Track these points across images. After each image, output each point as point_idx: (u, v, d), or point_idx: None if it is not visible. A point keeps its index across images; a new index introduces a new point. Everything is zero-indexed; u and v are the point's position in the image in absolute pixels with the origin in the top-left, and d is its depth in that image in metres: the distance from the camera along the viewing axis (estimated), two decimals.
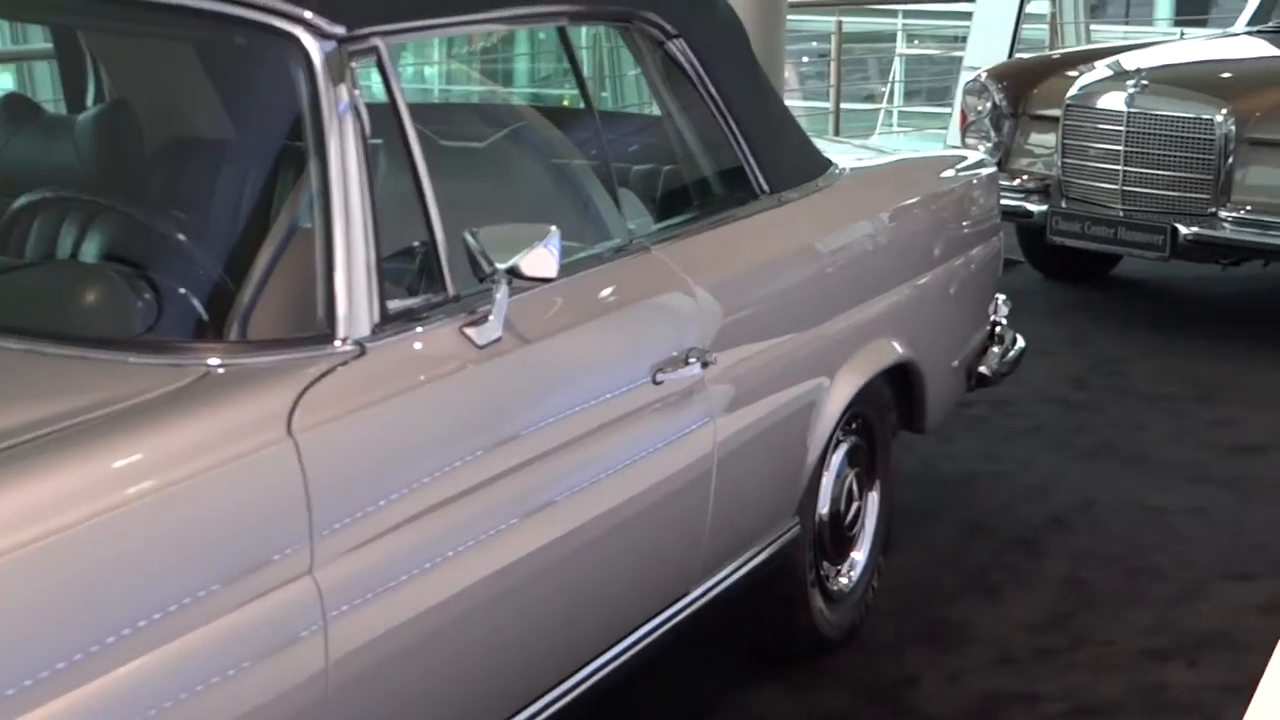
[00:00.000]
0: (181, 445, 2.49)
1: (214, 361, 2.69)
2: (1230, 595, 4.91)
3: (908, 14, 19.01)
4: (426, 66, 10.53)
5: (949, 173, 5.21)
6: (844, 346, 4.26)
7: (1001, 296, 5.28)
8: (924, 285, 4.71)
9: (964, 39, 15.03)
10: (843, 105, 12.21)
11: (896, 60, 18.07)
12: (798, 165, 4.35)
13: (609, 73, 10.59)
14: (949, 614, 4.76)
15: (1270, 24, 9.32)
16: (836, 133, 11.54)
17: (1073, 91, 7.98)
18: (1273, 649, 2.49)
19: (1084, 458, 6.12)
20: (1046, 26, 14.04)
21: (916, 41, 19.95)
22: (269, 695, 2.54)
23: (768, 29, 7.63)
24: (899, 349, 4.50)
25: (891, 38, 19.76)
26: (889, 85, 17.79)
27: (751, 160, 4.10)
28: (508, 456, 3.07)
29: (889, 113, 16.92)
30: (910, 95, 18.36)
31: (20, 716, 2.20)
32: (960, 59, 12.96)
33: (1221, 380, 7.12)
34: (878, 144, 9.43)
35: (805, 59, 19.28)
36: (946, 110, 13.44)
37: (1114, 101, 7.81)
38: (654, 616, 3.62)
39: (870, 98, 17.94)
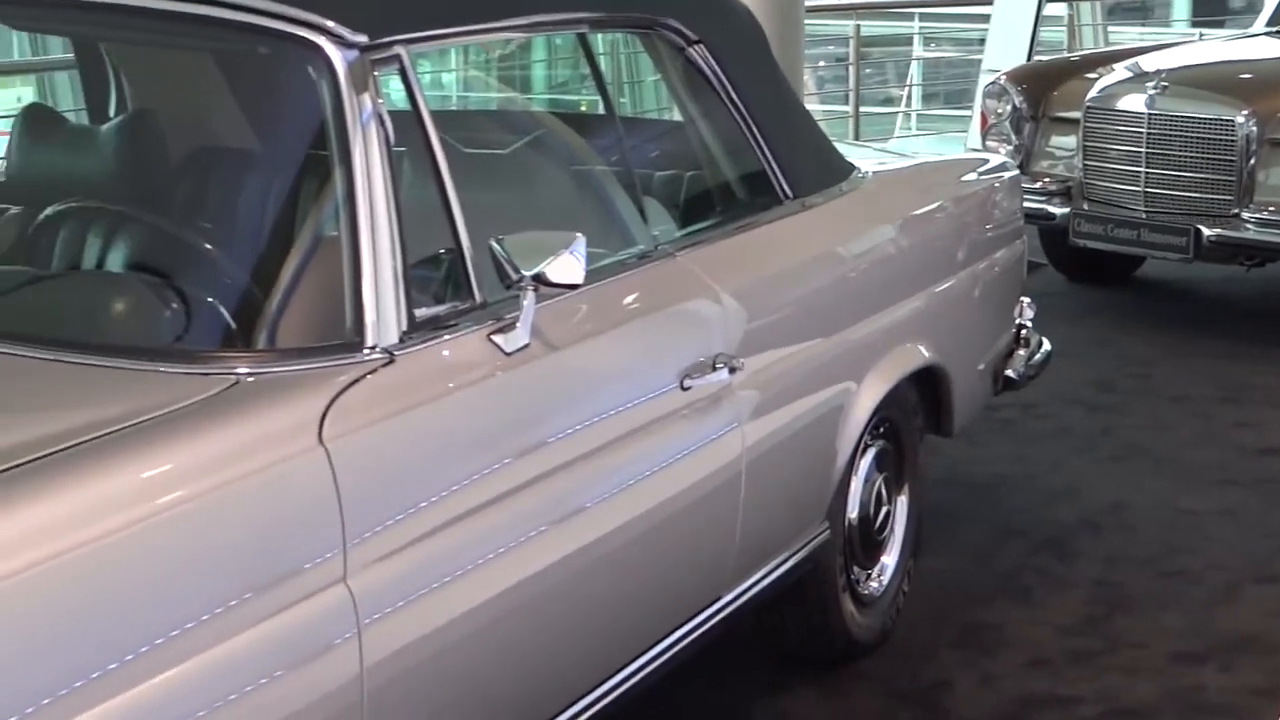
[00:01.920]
0: (212, 454, 2.50)
1: (243, 370, 2.70)
2: (1262, 598, 4.90)
3: (924, 17, 19.01)
4: (444, 74, 10.54)
5: (971, 176, 5.21)
6: (870, 351, 4.26)
7: (1026, 299, 5.27)
8: (949, 289, 4.71)
9: (982, 42, 15.01)
10: (861, 109, 12.21)
11: (914, 63, 18.08)
12: (821, 170, 4.35)
13: (627, 79, 10.59)
14: (981, 617, 4.75)
15: None
16: (856, 137, 11.54)
17: (1093, 94, 7.97)
18: None
19: (1112, 460, 6.11)
20: (1064, 29, 14.01)
21: (933, 45, 19.96)
22: (303, 703, 2.55)
23: (786, 33, 7.62)
24: (925, 353, 4.49)
25: (908, 41, 19.77)
26: (907, 89, 17.79)
27: (774, 165, 4.11)
28: (537, 463, 3.07)
29: (907, 116, 16.91)
30: (928, 98, 18.38)
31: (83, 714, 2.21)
32: (978, 62, 12.94)
33: (1247, 381, 7.09)
34: (898, 148, 9.41)
35: (822, 63, 19.26)
36: (965, 113, 13.42)
37: (1134, 103, 7.79)
38: (686, 622, 3.62)
39: (888, 101, 17.91)
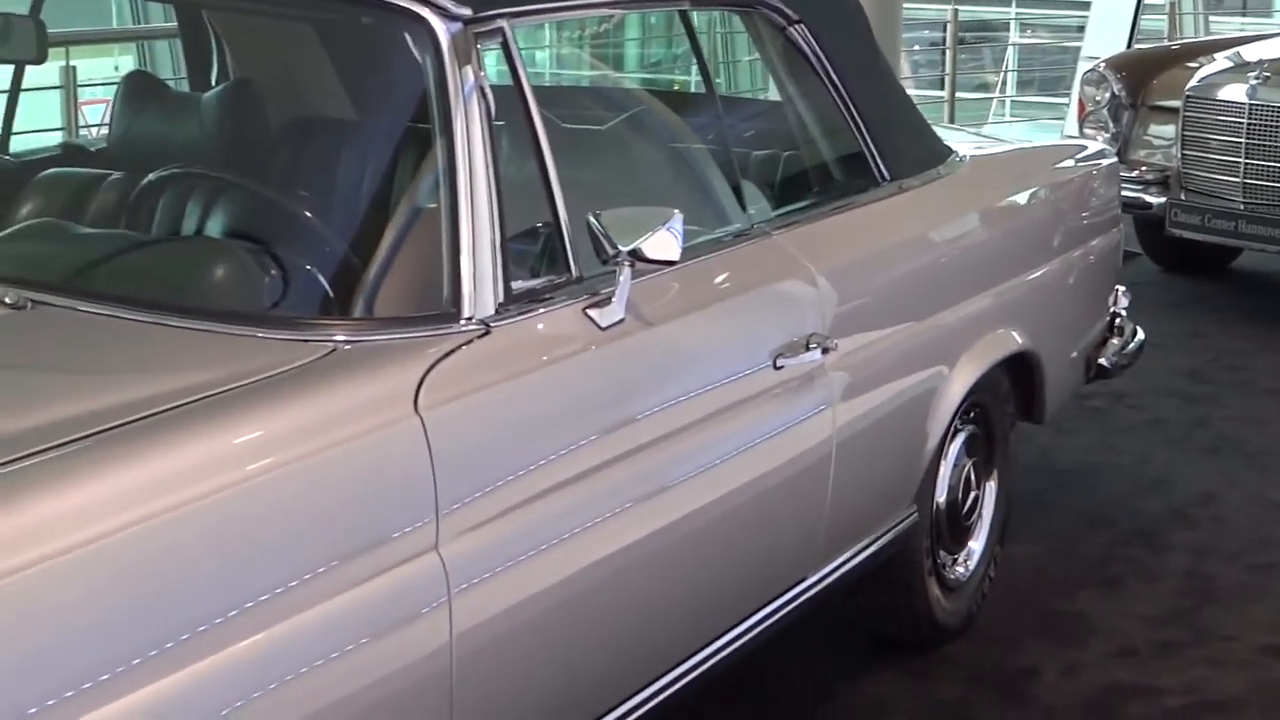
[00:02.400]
0: (308, 421, 2.52)
1: (340, 338, 2.72)
2: None
3: (1021, 2, 18.90)
4: (537, 51, 10.56)
5: (1069, 163, 5.17)
6: (963, 335, 4.24)
7: (1121, 288, 5.23)
8: (1044, 275, 4.68)
9: (1078, 29, 14.91)
10: (956, 95, 12.14)
11: (1010, 49, 17.96)
12: (918, 152, 4.32)
13: (722, 59, 10.58)
14: (1068, 605, 4.73)
15: None
16: (951, 121, 11.48)
17: (1193, 83, 7.89)
18: None
19: (1204, 452, 6.05)
20: (1165, 17, 13.89)
21: (1030, 31, 19.82)
22: (393, 667, 2.57)
23: (884, 16, 7.60)
24: (1018, 339, 4.47)
25: (1005, 27, 19.65)
26: (1002, 74, 17.66)
27: (872, 147, 4.09)
28: (628, 438, 3.08)
29: (1001, 102, 16.81)
30: (1023, 85, 18.21)
31: (146, 686, 2.23)
32: (1074, 49, 12.85)
33: None
34: (993, 134, 9.35)
35: (917, 47, 19.18)
36: (1059, 100, 13.35)
37: (1235, 93, 7.70)
38: (772, 600, 3.62)
39: (983, 87, 17.81)
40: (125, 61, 9.22)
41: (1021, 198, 4.73)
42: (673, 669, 3.30)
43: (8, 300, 2.73)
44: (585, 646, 3.02)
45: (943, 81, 12.76)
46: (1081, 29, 13.98)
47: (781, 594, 3.67)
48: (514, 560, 2.79)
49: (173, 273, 3.04)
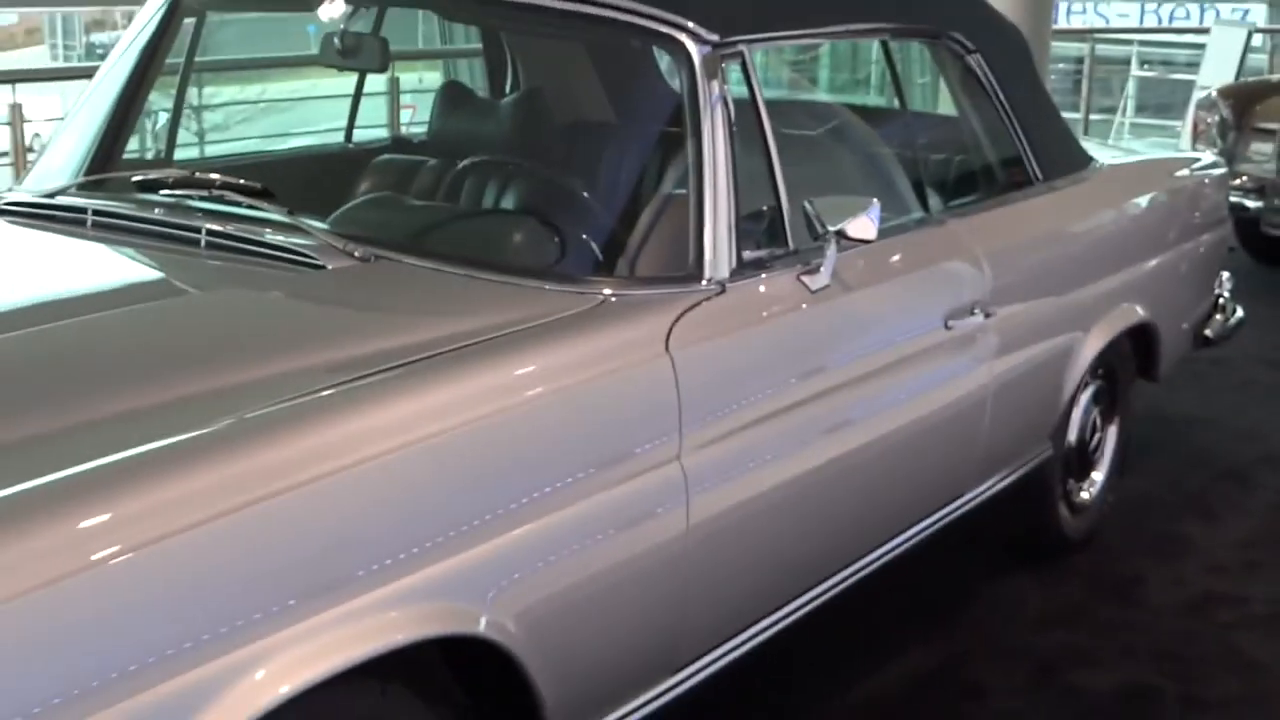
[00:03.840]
0: (583, 354, 2.55)
1: (608, 292, 2.73)
2: None
3: (1142, 42, 18.38)
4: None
5: (1185, 171, 5.02)
6: (1096, 308, 4.16)
7: (1226, 273, 5.09)
8: (1162, 261, 4.56)
9: (1185, 64, 14.47)
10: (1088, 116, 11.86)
11: (1130, 79, 17.48)
12: (1066, 159, 4.24)
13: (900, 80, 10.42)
14: (1171, 529, 4.63)
15: None
16: (1085, 133, 11.22)
17: None
18: None
19: None
20: (1267, 56, 13.46)
21: (1146, 65, 19.29)
22: (640, 549, 2.59)
23: (1037, 52, 7.42)
24: (1141, 312, 4.37)
25: (1127, 61, 19.11)
26: (1123, 100, 17.21)
27: (1029, 153, 4.02)
28: (829, 378, 3.08)
29: (1121, 124, 16.38)
30: (1139, 109, 17.71)
31: (451, 558, 2.25)
32: (1183, 81, 12.47)
33: None
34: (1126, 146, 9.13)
35: (1052, 76, 18.73)
36: (1170, 123, 12.99)
37: None
38: (933, 513, 3.60)
39: (1107, 110, 17.35)
40: (428, 76, 9.34)
41: (1147, 199, 4.61)
42: (854, 562, 3.30)
43: (357, 254, 2.79)
44: (786, 540, 3.03)
45: (1076, 104, 12.45)
46: (1189, 64, 13.59)
47: (941, 509, 3.64)
48: (736, 470, 2.80)
49: (481, 237, 3.09)
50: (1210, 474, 5.11)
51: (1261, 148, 7.86)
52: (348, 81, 4.11)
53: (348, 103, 4.13)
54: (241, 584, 1.99)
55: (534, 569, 2.39)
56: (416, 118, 7.73)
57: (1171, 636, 3.93)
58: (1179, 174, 4.97)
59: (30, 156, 5.98)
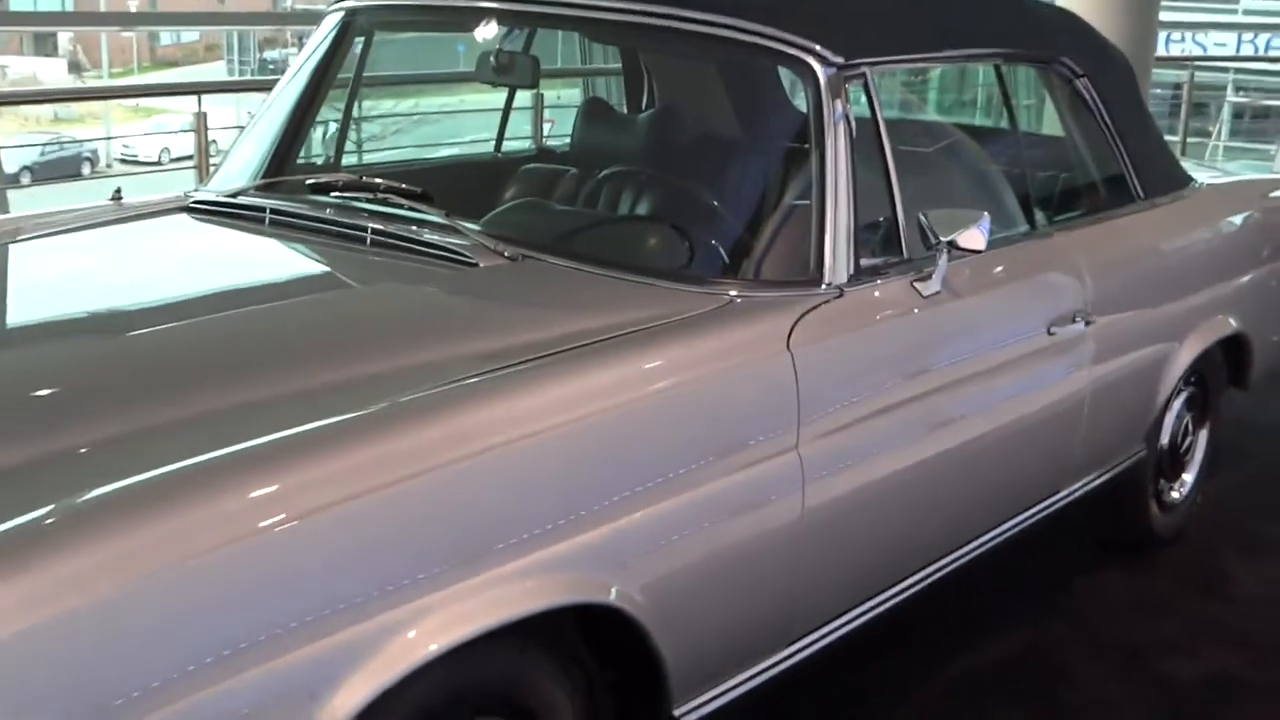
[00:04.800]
0: (712, 350, 2.55)
1: (735, 293, 2.73)
2: None
3: (1237, 69, 17.98)
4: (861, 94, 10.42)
5: (1278, 192, 4.89)
6: (1191, 319, 4.06)
7: None
8: (1255, 277, 4.44)
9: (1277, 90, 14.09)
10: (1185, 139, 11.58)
11: (1226, 105, 17.10)
12: (1166, 178, 4.14)
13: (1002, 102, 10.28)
14: (1258, 529, 4.51)
15: None
16: (1182, 155, 10.97)
17: None
18: None
19: None
20: None
21: (1242, 91, 18.87)
22: (758, 530, 2.59)
23: (1139, 77, 7.28)
24: (1233, 323, 4.26)
25: (1223, 87, 18.69)
26: (1218, 124, 16.83)
27: (1131, 172, 3.93)
28: (938, 378, 3.04)
29: (1215, 146, 16.01)
30: (1234, 133, 17.30)
31: (589, 532, 2.27)
32: (1276, 106, 12.15)
33: None
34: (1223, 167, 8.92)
35: (1153, 101, 18.37)
36: (1263, 146, 12.67)
37: None
38: (1032, 507, 3.54)
39: (1202, 133, 16.97)
40: (567, 93, 9.37)
41: (1241, 217, 4.49)
42: (955, 550, 3.26)
43: (506, 254, 2.81)
44: (893, 527, 3.00)
45: (1174, 128, 12.18)
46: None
47: (1038, 503, 3.58)
48: (849, 461, 2.78)
49: (619, 240, 3.09)
50: None
51: None
52: (492, 97, 4.15)
53: (490, 116, 4.16)
54: (395, 552, 2.03)
55: (661, 546, 2.40)
56: (555, 131, 7.78)
57: (1256, 629, 3.83)
58: (1273, 194, 4.83)
59: (212, 160, 6.11)
